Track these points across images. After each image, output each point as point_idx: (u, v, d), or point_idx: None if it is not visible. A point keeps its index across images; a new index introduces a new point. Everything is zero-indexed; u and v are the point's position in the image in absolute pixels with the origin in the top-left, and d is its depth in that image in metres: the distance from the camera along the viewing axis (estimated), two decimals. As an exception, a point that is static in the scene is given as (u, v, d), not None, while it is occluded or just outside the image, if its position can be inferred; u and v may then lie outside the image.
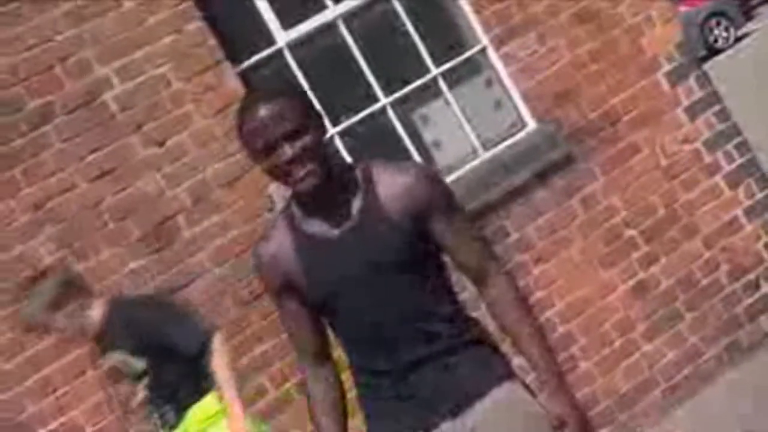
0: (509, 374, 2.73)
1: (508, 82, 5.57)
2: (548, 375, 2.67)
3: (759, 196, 5.77)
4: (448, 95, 5.56)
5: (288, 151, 2.54)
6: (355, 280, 2.64)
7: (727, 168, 5.76)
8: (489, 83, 5.64)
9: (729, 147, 5.77)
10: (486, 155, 5.52)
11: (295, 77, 5.27)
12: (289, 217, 2.70)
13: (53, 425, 4.66)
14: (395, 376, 2.68)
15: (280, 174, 2.58)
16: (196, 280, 4.88)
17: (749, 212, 5.76)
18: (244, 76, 5.14)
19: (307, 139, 2.56)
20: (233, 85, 5.03)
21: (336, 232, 2.65)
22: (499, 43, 5.53)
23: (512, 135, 5.57)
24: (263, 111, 2.56)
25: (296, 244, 2.67)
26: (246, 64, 5.19)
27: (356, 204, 2.64)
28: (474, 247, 2.72)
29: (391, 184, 2.63)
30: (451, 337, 2.71)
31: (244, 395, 4.85)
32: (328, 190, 2.62)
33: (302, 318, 2.75)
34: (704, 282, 5.65)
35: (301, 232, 2.67)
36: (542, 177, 5.45)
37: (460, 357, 2.70)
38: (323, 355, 2.80)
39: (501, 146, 5.54)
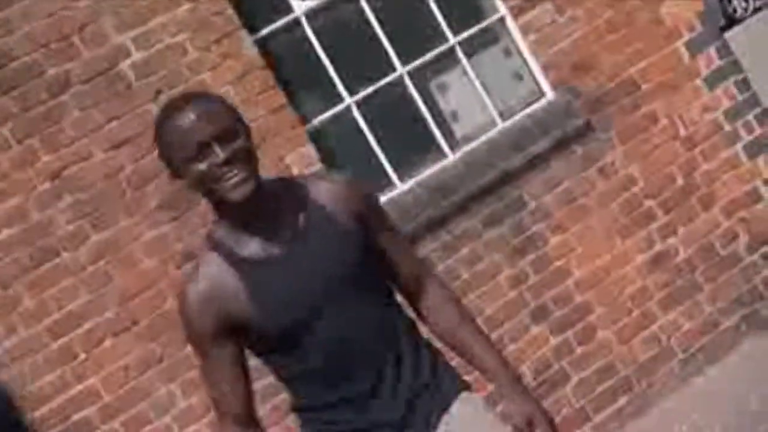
0: (468, 386, 2.63)
1: (526, 51, 5.54)
2: (507, 377, 2.56)
3: (778, 166, 5.75)
4: (466, 64, 5.53)
5: (220, 153, 2.33)
6: (319, 296, 2.42)
7: (747, 138, 5.72)
8: (507, 53, 5.61)
9: (749, 117, 5.73)
10: (504, 125, 5.50)
11: (312, 46, 5.25)
12: (217, 246, 2.44)
13: (73, 392, 4.69)
14: (357, 404, 2.50)
15: (211, 181, 2.34)
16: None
17: (768, 182, 5.73)
18: (262, 45, 5.13)
19: (240, 143, 2.36)
20: (251, 53, 5.02)
21: (281, 249, 2.42)
22: (517, 12, 5.50)
23: (530, 104, 5.55)
24: (192, 112, 2.35)
25: (235, 273, 2.41)
26: (263, 32, 5.17)
27: (299, 216, 2.44)
28: (413, 258, 2.62)
29: (333, 195, 2.48)
30: (414, 349, 2.56)
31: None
32: (263, 201, 2.41)
33: (234, 371, 2.45)
34: (723, 253, 5.63)
35: (236, 258, 2.41)
36: (560, 146, 5.42)
37: (424, 372, 2.56)
38: (252, 419, 2.52)
39: (519, 116, 5.51)
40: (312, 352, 2.45)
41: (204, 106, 2.37)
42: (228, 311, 2.40)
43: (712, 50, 5.71)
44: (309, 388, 2.51)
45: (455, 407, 2.56)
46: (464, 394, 2.59)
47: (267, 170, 4.92)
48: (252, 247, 2.41)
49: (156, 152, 4.72)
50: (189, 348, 4.76)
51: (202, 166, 2.34)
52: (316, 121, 5.22)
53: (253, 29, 5.11)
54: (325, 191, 2.49)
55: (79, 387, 4.70)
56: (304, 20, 5.26)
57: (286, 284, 2.41)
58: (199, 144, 2.33)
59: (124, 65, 4.84)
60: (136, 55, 4.85)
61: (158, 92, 4.85)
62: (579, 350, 5.34)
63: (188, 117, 2.35)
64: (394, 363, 2.51)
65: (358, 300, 2.47)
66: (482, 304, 5.20)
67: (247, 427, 2.51)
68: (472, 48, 5.56)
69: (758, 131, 5.73)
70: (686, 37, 5.68)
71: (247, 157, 2.37)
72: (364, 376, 2.49)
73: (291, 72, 5.20)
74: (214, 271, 2.41)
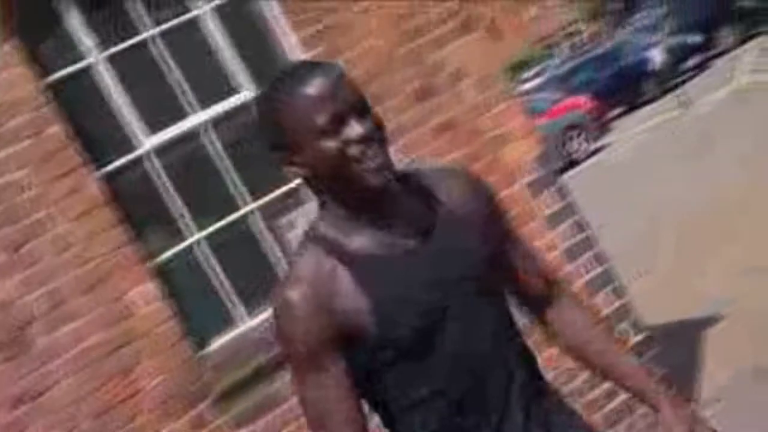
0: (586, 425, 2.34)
1: (372, 190, 5.62)
2: (661, 393, 2.27)
3: (615, 305, 5.92)
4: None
5: (358, 127, 1.99)
6: (448, 299, 2.08)
7: (585, 278, 5.90)
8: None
9: (586, 257, 5.92)
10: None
11: (159, 182, 5.22)
12: (323, 242, 2.08)
13: None
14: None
15: (345, 161, 1.99)
16: (51, 389, 4.72)
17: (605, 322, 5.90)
18: (107, 181, 5.07)
19: (375, 120, 2.03)
20: (94, 190, 4.95)
21: (404, 244, 2.07)
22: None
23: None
24: (324, 78, 1.99)
25: (346, 270, 2.04)
26: (108, 168, 5.12)
27: (423, 210, 2.12)
28: (540, 264, 2.37)
29: (462, 191, 2.20)
30: (533, 373, 2.25)
31: None
32: (392, 194, 2.08)
33: (352, 394, 2.05)
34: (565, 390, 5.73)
35: (347, 252, 2.05)
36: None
37: (548, 401, 2.25)
38: None
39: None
40: (437, 367, 2.07)
41: (335, 73, 2.01)
42: (343, 313, 2.01)
43: (550, 192, 5.91)
44: (430, 415, 2.09)
45: None
46: None
47: (107, 307, 4.84)
48: (367, 240, 2.06)
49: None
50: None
51: (335, 142, 1.99)
52: (161, 258, 5.16)
53: (98, 165, 5.06)
54: (453, 185, 2.19)
55: None
56: (151, 156, 5.24)
57: (412, 283, 2.05)
58: (334, 116, 1.98)
59: (-39, 200, 4.72)
60: (-26, 191, 4.74)
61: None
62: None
63: (320, 83, 1.98)
64: (523, 391, 2.18)
65: (487, 310, 2.15)
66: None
67: None
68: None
69: (594, 271, 5.91)
70: (527, 178, 5.88)
71: (385, 139, 2.03)
72: (494, 402, 2.12)
73: (136, 209, 5.14)
74: (322, 270, 2.03)
